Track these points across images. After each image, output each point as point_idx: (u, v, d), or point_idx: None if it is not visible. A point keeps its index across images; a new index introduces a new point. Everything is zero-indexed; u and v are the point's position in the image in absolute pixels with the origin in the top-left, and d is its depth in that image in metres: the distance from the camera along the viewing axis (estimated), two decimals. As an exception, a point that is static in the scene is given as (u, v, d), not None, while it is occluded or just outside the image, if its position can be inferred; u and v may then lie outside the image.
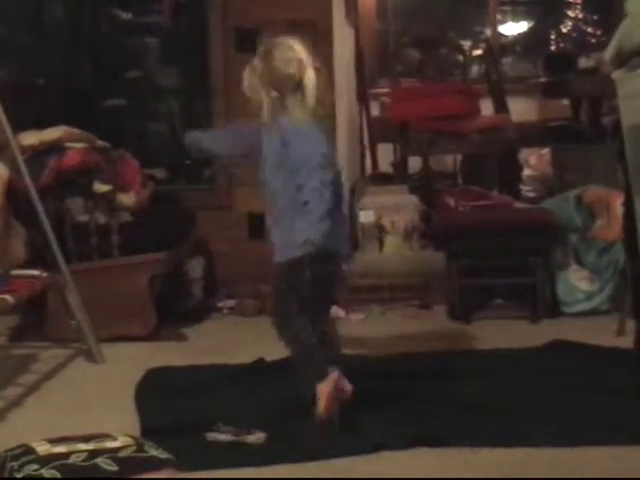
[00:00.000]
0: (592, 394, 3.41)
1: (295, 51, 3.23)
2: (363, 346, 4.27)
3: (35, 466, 2.46)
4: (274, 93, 3.23)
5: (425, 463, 2.94)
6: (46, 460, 2.48)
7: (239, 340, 4.57)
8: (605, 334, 4.25)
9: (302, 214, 3.14)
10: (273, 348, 4.08)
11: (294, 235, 3.16)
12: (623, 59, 3.29)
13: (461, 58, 6.88)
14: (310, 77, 3.19)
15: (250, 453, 3.04)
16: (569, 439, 3.01)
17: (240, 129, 3.55)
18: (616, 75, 3.35)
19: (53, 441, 2.60)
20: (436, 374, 3.73)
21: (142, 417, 3.41)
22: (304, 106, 3.20)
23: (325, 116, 3.27)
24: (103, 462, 2.49)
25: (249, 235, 5.40)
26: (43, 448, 2.55)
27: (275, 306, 3.37)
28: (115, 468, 2.48)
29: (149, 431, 3.17)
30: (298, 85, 3.20)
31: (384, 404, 3.36)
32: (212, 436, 3.14)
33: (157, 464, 2.58)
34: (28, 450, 2.55)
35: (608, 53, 3.37)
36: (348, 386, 3.19)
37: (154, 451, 2.62)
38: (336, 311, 4.88)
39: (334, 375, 3.15)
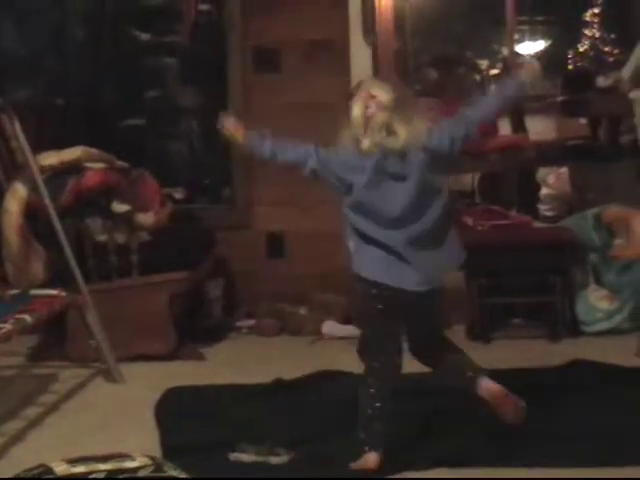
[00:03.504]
0: (612, 414, 3.40)
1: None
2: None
3: (54, 486, 2.46)
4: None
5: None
6: (65, 480, 2.48)
7: (258, 360, 4.57)
8: (625, 353, 4.24)
9: None
10: (291, 367, 4.09)
11: None
12: (641, 79, 3.29)
13: (478, 77, 6.88)
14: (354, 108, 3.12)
15: (274, 474, 3.03)
16: (590, 459, 3.00)
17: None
18: (634, 95, 3.36)
19: (72, 461, 2.59)
20: (454, 394, 3.71)
21: (163, 437, 3.41)
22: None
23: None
24: (122, 482, 2.48)
25: (268, 254, 5.41)
26: (62, 468, 2.54)
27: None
28: (134, 488, 2.47)
29: (170, 451, 3.17)
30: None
31: (403, 425, 3.34)
32: (235, 456, 3.14)
33: (176, 484, 2.57)
34: (47, 470, 2.54)
35: (626, 72, 3.38)
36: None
37: (173, 471, 2.61)
38: (352, 330, 4.88)
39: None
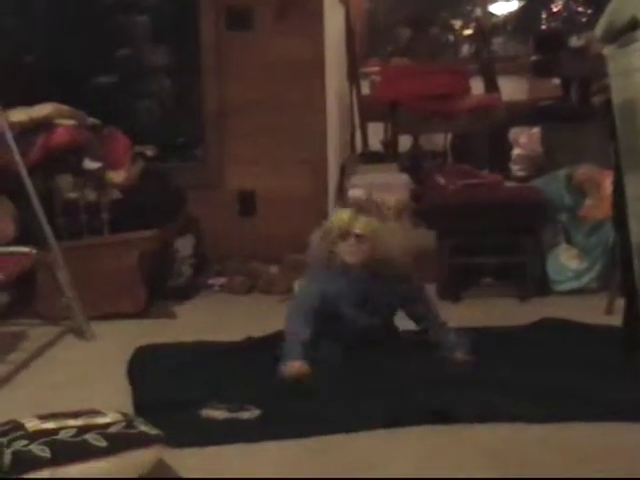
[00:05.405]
0: (580, 372, 3.42)
1: None
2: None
3: (24, 442, 2.45)
4: None
5: (409, 440, 2.94)
6: (35, 436, 2.47)
7: (228, 317, 4.58)
8: (594, 312, 4.27)
9: None
10: (262, 325, 4.09)
11: None
12: (614, 35, 3.27)
13: (452, 37, 6.88)
14: None
15: (245, 429, 3.04)
16: (558, 416, 3.02)
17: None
18: (607, 51, 3.34)
19: (42, 417, 2.59)
20: (422, 352, 3.72)
21: (134, 394, 3.41)
22: None
23: None
24: (92, 438, 2.48)
25: (239, 213, 5.40)
26: (32, 424, 2.54)
27: None
28: (104, 444, 2.47)
29: (141, 408, 3.17)
30: None
31: (367, 380, 3.37)
32: (207, 413, 3.15)
33: (146, 440, 2.57)
34: (17, 426, 2.54)
35: (599, 30, 3.35)
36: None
37: (143, 427, 2.61)
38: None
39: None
